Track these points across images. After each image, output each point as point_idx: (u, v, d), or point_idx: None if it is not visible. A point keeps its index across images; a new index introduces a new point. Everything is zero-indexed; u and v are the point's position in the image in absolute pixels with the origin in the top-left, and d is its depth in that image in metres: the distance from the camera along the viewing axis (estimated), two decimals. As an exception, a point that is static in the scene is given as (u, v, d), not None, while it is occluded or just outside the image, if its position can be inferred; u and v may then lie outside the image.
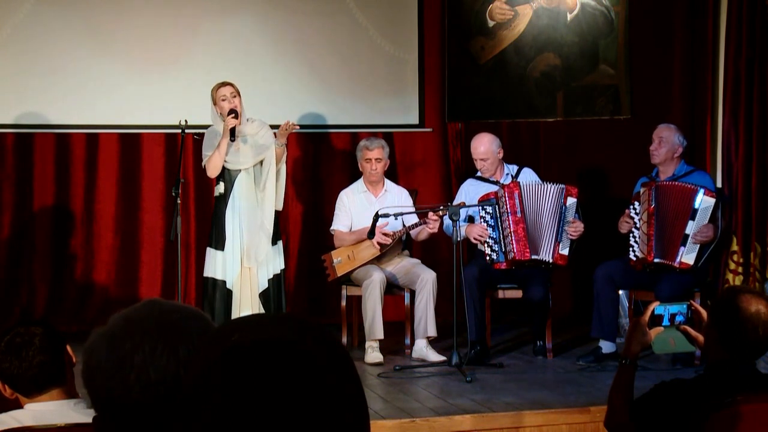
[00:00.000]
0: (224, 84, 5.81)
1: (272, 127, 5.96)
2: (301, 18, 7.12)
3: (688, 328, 2.77)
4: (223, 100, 5.76)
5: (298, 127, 5.90)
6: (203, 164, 5.86)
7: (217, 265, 5.81)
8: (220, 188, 5.86)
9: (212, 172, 5.82)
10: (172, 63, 6.93)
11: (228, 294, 5.79)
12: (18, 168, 6.86)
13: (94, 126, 6.90)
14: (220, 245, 5.81)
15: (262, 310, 5.80)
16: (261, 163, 5.86)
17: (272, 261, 5.87)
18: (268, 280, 5.85)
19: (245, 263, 5.80)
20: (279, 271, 5.91)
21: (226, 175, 5.85)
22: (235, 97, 5.76)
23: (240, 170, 5.82)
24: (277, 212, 5.88)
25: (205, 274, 5.88)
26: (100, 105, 6.85)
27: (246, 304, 5.78)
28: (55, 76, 6.79)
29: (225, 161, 5.78)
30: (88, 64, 6.83)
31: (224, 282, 5.80)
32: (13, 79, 6.75)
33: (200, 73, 6.78)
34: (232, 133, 5.68)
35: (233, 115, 5.68)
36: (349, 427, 1.09)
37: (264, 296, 5.84)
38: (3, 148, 6.83)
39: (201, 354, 1.14)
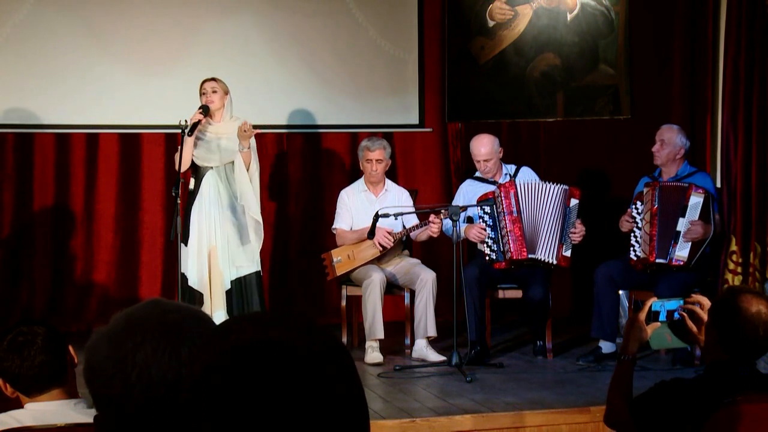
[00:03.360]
0: (208, 79, 5.87)
1: (274, 127, 5.96)
2: (301, 18, 7.12)
3: (686, 316, 2.77)
4: (203, 94, 5.81)
5: (255, 131, 5.74)
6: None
7: (184, 260, 5.79)
8: (191, 184, 5.85)
9: (178, 165, 5.72)
10: (172, 63, 6.93)
11: (190, 289, 5.75)
12: (18, 168, 6.86)
13: (94, 126, 6.90)
14: (185, 240, 5.79)
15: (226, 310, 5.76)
16: (233, 164, 5.82)
17: (238, 263, 5.83)
18: (231, 282, 5.81)
19: (219, 265, 5.76)
20: (248, 274, 5.85)
21: (196, 172, 5.84)
22: (215, 92, 5.78)
23: (208, 168, 5.81)
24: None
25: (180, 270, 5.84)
26: (100, 105, 6.85)
27: (216, 304, 5.73)
28: (55, 76, 6.79)
29: (195, 156, 5.79)
30: (88, 64, 6.83)
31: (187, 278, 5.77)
32: (13, 79, 6.75)
33: (200, 73, 6.75)
34: (192, 128, 5.68)
35: (201, 110, 5.71)
36: (349, 427, 1.10)
37: (227, 296, 5.80)
38: (3, 148, 6.83)
39: (202, 354, 1.14)
